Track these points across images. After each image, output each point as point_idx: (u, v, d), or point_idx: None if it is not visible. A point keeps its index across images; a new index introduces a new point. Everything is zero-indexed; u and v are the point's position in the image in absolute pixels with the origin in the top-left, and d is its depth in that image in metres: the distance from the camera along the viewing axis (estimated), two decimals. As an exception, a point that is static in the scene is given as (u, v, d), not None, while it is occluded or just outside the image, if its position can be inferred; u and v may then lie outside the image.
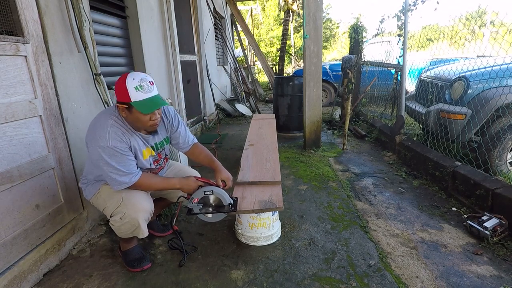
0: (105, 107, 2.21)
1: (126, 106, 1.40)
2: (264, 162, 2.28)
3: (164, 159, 1.79)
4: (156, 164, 1.71)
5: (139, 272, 1.69)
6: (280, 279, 1.61)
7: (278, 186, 1.91)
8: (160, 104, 1.42)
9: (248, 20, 14.48)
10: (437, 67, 3.65)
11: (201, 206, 1.63)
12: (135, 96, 1.37)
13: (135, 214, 1.52)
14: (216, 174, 1.75)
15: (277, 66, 10.47)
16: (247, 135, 3.08)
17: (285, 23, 9.48)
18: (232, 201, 1.66)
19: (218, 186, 1.66)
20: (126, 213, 1.52)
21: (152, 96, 1.41)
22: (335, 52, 23.70)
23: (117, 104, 1.44)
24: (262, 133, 3.12)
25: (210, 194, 1.62)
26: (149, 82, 1.41)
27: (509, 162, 2.58)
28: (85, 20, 1.98)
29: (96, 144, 1.40)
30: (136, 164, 1.54)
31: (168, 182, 1.62)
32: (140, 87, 1.37)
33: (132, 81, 1.37)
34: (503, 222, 1.88)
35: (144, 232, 1.60)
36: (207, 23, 5.72)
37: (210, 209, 1.65)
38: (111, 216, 1.58)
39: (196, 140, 1.88)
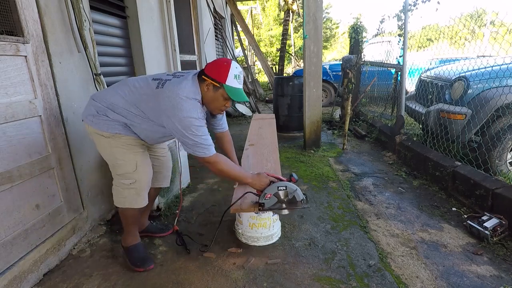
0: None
1: (216, 85, 1.47)
2: (264, 162, 2.27)
3: None
4: None
5: (140, 272, 1.69)
6: (280, 279, 1.61)
7: (277, 166, 1.94)
8: (245, 99, 1.55)
9: (248, 20, 14.48)
10: (440, 66, 3.65)
11: (274, 202, 1.65)
12: (231, 82, 1.47)
13: (145, 184, 1.62)
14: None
15: (277, 66, 10.47)
16: (247, 135, 3.08)
17: (285, 23, 9.48)
18: (304, 197, 1.67)
19: (289, 182, 1.67)
20: (137, 180, 1.58)
21: (241, 89, 1.53)
22: (335, 52, 23.72)
23: (205, 78, 1.48)
24: (262, 133, 3.12)
25: (283, 189, 1.64)
26: (244, 76, 1.52)
27: (509, 162, 2.58)
28: (85, 20, 1.98)
29: (182, 115, 1.40)
30: None
31: (241, 173, 1.64)
32: (238, 77, 1.50)
33: (235, 69, 1.48)
34: (503, 222, 1.88)
35: (144, 202, 1.67)
36: (207, 23, 5.72)
37: (284, 205, 1.67)
38: (118, 176, 1.60)
39: (227, 128, 1.99)
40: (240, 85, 1.52)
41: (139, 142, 1.62)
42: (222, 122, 1.90)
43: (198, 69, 1.61)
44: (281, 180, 1.68)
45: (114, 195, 1.67)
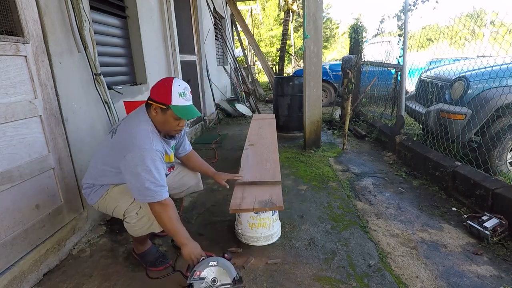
0: (105, 107, 2.21)
1: (163, 107, 1.44)
2: (264, 162, 2.27)
3: (172, 163, 1.83)
4: (169, 171, 1.74)
5: (160, 270, 1.69)
6: (280, 279, 1.61)
7: (278, 186, 1.91)
8: (196, 114, 1.49)
9: (248, 20, 14.48)
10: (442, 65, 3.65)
11: (203, 284, 1.39)
12: (177, 101, 1.43)
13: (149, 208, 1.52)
14: (217, 177, 1.92)
15: (277, 66, 10.48)
16: (247, 135, 3.08)
17: (285, 23, 9.49)
18: (237, 275, 1.44)
19: (223, 258, 1.48)
20: (142, 207, 1.52)
21: (190, 105, 1.49)
22: (335, 52, 23.73)
23: (151, 102, 1.46)
24: (262, 133, 3.10)
25: (215, 265, 1.42)
26: (190, 91, 1.50)
27: (509, 162, 2.58)
28: (85, 20, 1.98)
29: (140, 148, 1.37)
30: None
31: (179, 230, 1.46)
32: (183, 94, 1.45)
33: (178, 87, 1.44)
34: (503, 222, 1.88)
35: (160, 228, 1.58)
36: (207, 23, 5.72)
37: (215, 284, 1.41)
38: (124, 215, 1.55)
39: (191, 148, 1.94)
40: (187, 102, 1.47)
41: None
42: (184, 144, 1.85)
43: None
44: (211, 256, 1.48)
45: (131, 231, 1.60)
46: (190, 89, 1.51)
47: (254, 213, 1.80)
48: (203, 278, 1.40)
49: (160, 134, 1.54)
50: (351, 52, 5.30)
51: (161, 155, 1.45)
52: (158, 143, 1.46)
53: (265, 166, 2.19)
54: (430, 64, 4.21)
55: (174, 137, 1.66)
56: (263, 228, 1.86)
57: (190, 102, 1.50)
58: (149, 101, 1.48)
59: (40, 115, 1.69)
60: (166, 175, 1.67)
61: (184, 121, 1.52)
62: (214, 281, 1.41)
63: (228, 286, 1.41)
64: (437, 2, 3.28)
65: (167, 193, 1.45)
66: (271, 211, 1.84)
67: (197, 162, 1.95)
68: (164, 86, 1.44)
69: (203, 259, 1.44)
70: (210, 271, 1.42)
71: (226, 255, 1.52)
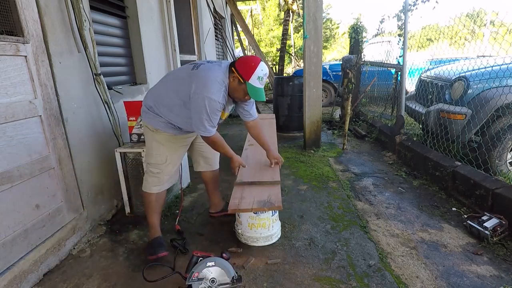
0: (105, 107, 2.21)
1: (240, 80, 1.64)
2: (263, 162, 2.26)
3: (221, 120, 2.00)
4: (219, 123, 1.92)
5: (152, 259, 1.73)
6: (280, 279, 1.61)
7: (277, 186, 1.92)
8: (262, 98, 1.70)
9: (248, 20, 14.47)
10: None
11: (202, 285, 1.41)
12: (254, 81, 1.64)
13: (168, 176, 1.87)
14: (270, 155, 2.17)
15: (277, 66, 10.47)
16: (247, 135, 3.07)
17: (285, 23, 9.47)
18: (236, 274, 1.46)
19: (221, 258, 1.50)
20: (163, 171, 1.84)
21: (261, 89, 1.68)
22: (335, 52, 23.71)
23: (234, 70, 1.65)
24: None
25: (212, 265, 1.44)
26: (267, 77, 1.70)
27: (509, 162, 2.58)
28: (85, 20, 1.98)
29: (207, 94, 1.58)
30: None
31: (226, 150, 1.84)
32: (261, 79, 1.66)
33: (260, 71, 1.64)
34: (503, 222, 1.88)
35: (160, 189, 1.88)
36: (207, 23, 5.72)
37: (213, 285, 1.43)
38: (149, 164, 1.85)
39: (257, 116, 2.10)
40: (261, 86, 1.67)
41: (175, 138, 1.83)
42: (250, 109, 2.02)
43: (231, 60, 1.77)
44: (209, 256, 1.50)
45: (144, 180, 1.89)
46: (268, 75, 1.72)
47: (254, 213, 1.80)
48: (201, 279, 1.41)
49: (228, 93, 1.72)
50: (351, 52, 5.30)
51: (220, 106, 1.65)
52: (223, 98, 1.65)
53: (264, 166, 2.20)
54: (430, 65, 4.20)
55: (236, 102, 1.88)
56: (263, 228, 1.86)
57: (262, 86, 1.69)
58: (233, 68, 1.66)
59: (40, 115, 1.69)
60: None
61: (249, 97, 1.72)
62: (213, 281, 1.43)
63: (227, 285, 1.42)
64: (437, 2, 3.28)
65: (214, 131, 1.72)
66: (271, 212, 1.84)
67: (258, 133, 2.12)
68: (250, 64, 1.63)
69: (200, 260, 1.47)
70: (208, 271, 1.43)
71: (224, 254, 1.53)
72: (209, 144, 1.81)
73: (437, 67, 3.65)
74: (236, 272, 1.46)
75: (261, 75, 1.65)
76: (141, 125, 2.18)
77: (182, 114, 1.72)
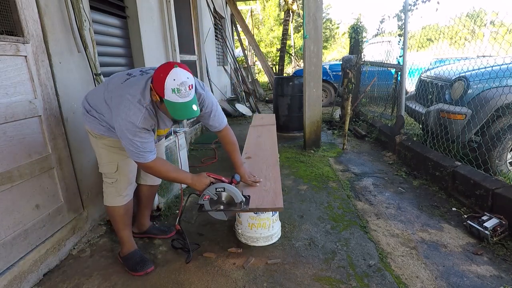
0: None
1: (158, 98, 1.35)
2: (263, 181, 1.95)
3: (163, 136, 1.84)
4: (159, 139, 1.75)
5: (141, 275, 1.67)
6: (280, 279, 1.61)
7: (278, 186, 1.90)
8: (188, 116, 1.36)
9: (248, 20, 14.47)
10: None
11: (212, 204, 1.63)
12: (170, 96, 1.29)
13: (125, 184, 1.69)
14: (239, 171, 1.87)
15: (277, 66, 10.47)
16: (247, 136, 3.07)
17: (285, 23, 9.48)
18: (243, 199, 1.64)
19: (230, 183, 1.65)
20: (118, 180, 1.66)
21: (186, 102, 1.32)
22: (335, 52, 23.70)
23: (151, 87, 1.37)
24: (261, 142, 2.77)
25: (222, 191, 1.61)
26: (189, 86, 1.31)
27: (509, 162, 2.58)
28: (85, 20, 1.98)
29: (123, 117, 1.36)
30: None
31: (180, 174, 1.62)
32: (178, 90, 1.28)
33: (172, 81, 1.28)
34: (503, 222, 1.88)
35: (124, 201, 1.70)
36: (207, 23, 5.72)
37: (222, 206, 1.64)
38: (103, 174, 1.68)
39: (224, 125, 1.80)
40: (182, 98, 1.30)
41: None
42: (214, 120, 1.71)
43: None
44: (222, 181, 1.65)
45: (103, 193, 1.73)
46: (191, 83, 1.32)
47: (254, 213, 1.80)
48: (212, 199, 1.62)
49: (156, 110, 1.47)
50: (351, 52, 5.30)
51: (143, 130, 1.40)
52: (145, 121, 1.39)
53: (264, 187, 1.87)
54: (435, 64, 4.18)
55: (201, 115, 1.65)
56: (263, 228, 1.86)
57: (186, 98, 1.31)
58: (151, 84, 1.38)
59: (40, 115, 1.69)
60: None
61: None
62: (222, 203, 1.64)
63: (235, 208, 1.63)
64: (438, 2, 3.28)
65: (153, 156, 1.47)
66: (271, 212, 1.84)
67: (226, 144, 1.85)
68: (159, 76, 1.29)
69: (212, 183, 1.62)
70: (220, 194, 1.62)
71: (234, 179, 1.68)
72: (147, 172, 1.57)
73: (441, 66, 3.65)
74: (244, 196, 1.65)
75: (175, 86, 1.27)
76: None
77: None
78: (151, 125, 1.45)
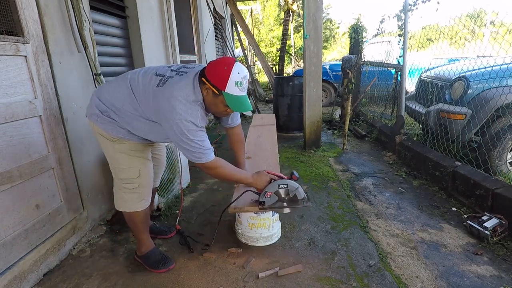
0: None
1: (215, 91, 1.34)
2: None
3: None
4: None
5: (163, 272, 1.69)
6: (280, 279, 1.61)
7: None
8: (248, 108, 1.39)
9: (248, 20, 14.47)
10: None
11: (274, 200, 1.62)
12: (231, 89, 1.32)
13: (148, 188, 1.63)
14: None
15: (277, 66, 10.47)
16: (247, 137, 3.06)
17: (285, 23, 9.48)
18: (306, 195, 1.65)
19: (290, 179, 1.64)
20: (140, 185, 1.58)
21: (244, 96, 1.38)
22: (335, 52, 23.70)
23: (205, 81, 1.35)
24: (261, 142, 2.76)
25: (285, 187, 1.61)
26: (248, 81, 1.39)
27: (509, 162, 2.58)
28: (85, 20, 1.98)
29: (185, 119, 1.32)
30: None
31: (241, 174, 1.61)
32: (240, 84, 1.33)
33: (237, 75, 1.31)
34: (503, 222, 1.88)
35: (146, 204, 1.65)
36: (207, 23, 5.72)
37: (284, 203, 1.64)
38: (121, 180, 1.58)
39: (239, 121, 1.82)
40: (242, 92, 1.36)
41: (142, 146, 1.58)
42: (232, 116, 1.74)
43: (203, 65, 1.51)
44: (282, 178, 1.66)
45: (116, 198, 1.65)
46: (249, 78, 1.40)
47: (254, 213, 1.80)
48: (274, 197, 1.61)
49: (206, 110, 1.46)
50: (351, 52, 5.30)
51: (204, 129, 1.42)
52: (202, 119, 1.39)
53: None
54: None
55: (218, 118, 1.63)
56: (263, 228, 1.86)
57: (245, 93, 1.38)
58: (203, 78, 1.36)
59: (40, 115, 1.69)
60: None
61: (231, 109, 1.44)
62: (284, 200, 1.63)
63: (298, 205, 1.63)
64: (438, 2, 3.28)
65: (213, 155, 1.45)
66: (271, 212, 1.84)
67: (235, 147, 1.87)
68: (223, 69, 1.31)
69: (273, 180, 1.62)
70: (280, 191, 1.61)
71: (294, 175, 1.66)
72: (212, 175, 1.53)
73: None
74: (306, 193, 1.65)
75: (239, 80, 1.32)
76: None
77: (145, 128, 1.47)
78: (206, 122, 1.45)
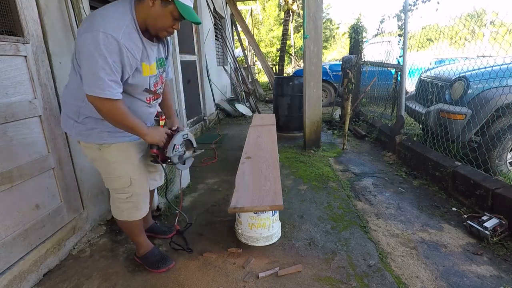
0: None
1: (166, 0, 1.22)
2: (262, 181, 1.95)
3: (162, 85, 1.53)
4: (156, 87, 1.45)
5: (163, 272, 1.69)
6: (281, 279, 1.61)
7: (278, 185, 1.90)
8: (197, 19, 1.29)
9: (248, 20, 14.47)
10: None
11: (181, 153, 1.55)
12: None
13: (142, 196, 1.58)
14: (172, 121, 1.68)
15: (277, 66, 10.48)
16: (247, 137, 3.07)
17: (285, 23, 9.49)
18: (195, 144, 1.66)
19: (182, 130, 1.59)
20: (133, 194, 1.52)
21: (192, 7, 1.28)
22: (335, 52, 23.71)
23: None
24: (261, 142, 2.76)
25: (187, 137, 1.57)
26: None
27: (509, 162, 2.58)
28: (85, 20, 1.98)
29: (99, 29, 1.12)
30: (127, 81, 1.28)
31: (137, 124, 1.34)
32: None
33: None
34: (503, 222, 1.88)
35: (143, 213, 1.62)
36: (207, 23, 5.72)
37: (185, 154, 1.59)
38: (113, 190, 1.54)
39: (171, 77, 1.66)
40: (191, 3, 1.27)
41: (132, 148, 1.47)
42: (169, 66, 1.59)
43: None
44: (178, 129, 1.59)
45: (112, 207, 1.63)
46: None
47: (254, 213, 1.80)
48: (181, 151, 1.56)
49: (141, 31, 1.27)
50: (351, 52, 5.30)
51: (125, 50, 1.19)
52: (128, 38, 1.20)
53: (264, 187, 1.87)
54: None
55: (160, 40, 1.42)
56: (263, 228, 1.86)
57: (192, 4, 1.28)
58: None
59: (40, 115, 1.69)
60: (151, 92, 1.43)
61: (178, 25, 1.32)
62: (184, 151, 1.60)
63: (191, 154, 1.63)
64: (438, 2, 3.28)
65: (119, 94, 1.23)
66: (271, 212, 1.84)
67: (167, 95, 1.66)
68: None
69: (171, 132, 1.53)
70: (184, 143, 1.58)
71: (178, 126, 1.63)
72: (105, 115, 1.26)
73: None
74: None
75: None
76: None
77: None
78: (135, 48, 1.24)
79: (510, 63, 2.57)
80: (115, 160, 1.44)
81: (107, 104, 1.21)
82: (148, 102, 1.46)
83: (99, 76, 1.15)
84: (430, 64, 4.66)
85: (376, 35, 4.76)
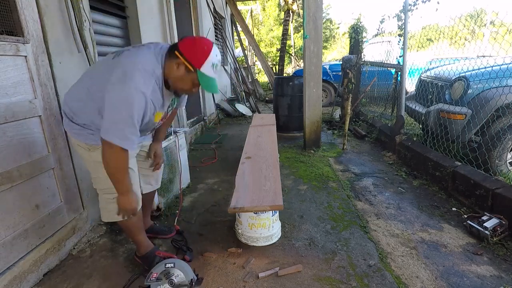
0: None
1: (190, 68, 1.30)
2: (262, 181, 1.95)
3: (165, 116, 1.60)
4: (161, 120, 1.54)
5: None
6: (281, 279, 1.61)
7: (278, 185, 1.90)
8: (216, 91, 1.40)
9: (248, 20, 14.48)
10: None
11: (161, 285, 1.40)
12: (207, 69, 1.31)
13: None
14: (151, 145, 1.72)
15: (277, 66, 10.48)
16: (247, 136, 3.07)
17: (285, 23, 9.50)
18: (195, 277, 1.47)
19: (182, 260, 1.51)
20: None
21: (215, 79, 1.37)
22: (335, 52, 23.71)
23: (179, 55, 1.30)
24: (261, 142, 2.76)
25: (171, 267, 1.43)
26: (221, 64, 1.37)
27: (509, 162, 2.58)
28: (85, 20, 1.98)
29: (130, 85, 1.19)
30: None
31: (125, 181, 1.35)
32: (216, 66, 1.34)
33: (215, 57, 1.32)
34: (503, 222, 1.88)
35: (138, 208, 1.54)
36: (207, 23, 5.72)
37: (169, 286, 1.42)
38: (101, 190, 1.53)
39: (182, 107, 1.79)
40: (215, 74, 1.35)
41: None
42: (182, 100, 1.70)
43: (160, 42, 1.42)
44: (171, 257, 1.49)
45: (101, 209, 1.59)
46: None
47: (254, 213, 1.80)
48: (160, 279, 1.41)
49: (163, 84, 1.36)
50: (351, 52, 5.30)
51: (149, 105, 1.28)
52: (153, 93, 1.29)
53: (264, 187, 1.87)
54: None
55: (178, 95, 1.53)
56: (263, 228, 1.86)
57: (217, 76, 1.38)
58: (176, 52, 1.31)
59: (40, 115, 1.69)
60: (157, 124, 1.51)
61: (198, 89, 1.41)
62: (171, 282, 1.42)
63: (186, 287, 1.43)
64: (438, 2, 3.28)
65: (134, 145, 1.28)
66: (271, 212, 1.84)
67: (168, 119, 1.74)
68: (202, 48, 1.30)
69: (162, 259, 1.46)
70: (167, 272, 1.43)
71: (186, 256, 1.56)
72: (109, 159, 1.27)
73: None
74: (197, 275, 1.47)
75: (215, 62, 1.32)
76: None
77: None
78: (156, 100, 1.33)
79: (510, 63, 2.57)
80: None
81: (119, 152, 1.25)
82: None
83: (121, 127, 1.21)
84: (425, 64, 4.65)
85: (376, 35, 4.76)
